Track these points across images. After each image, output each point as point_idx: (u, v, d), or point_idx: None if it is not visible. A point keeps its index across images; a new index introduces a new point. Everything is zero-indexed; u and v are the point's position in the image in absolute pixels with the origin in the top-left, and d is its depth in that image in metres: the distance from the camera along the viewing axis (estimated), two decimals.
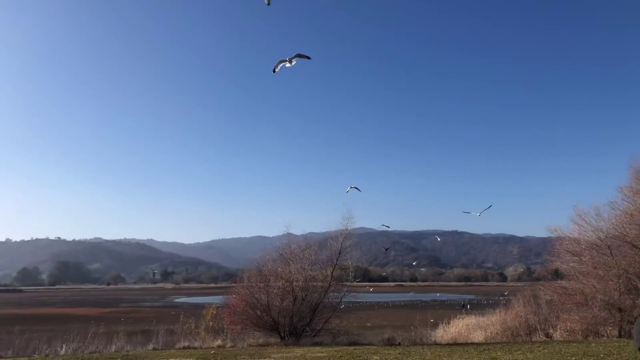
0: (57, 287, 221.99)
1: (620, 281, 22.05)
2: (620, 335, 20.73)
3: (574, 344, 17.08)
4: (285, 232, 28.61)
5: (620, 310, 21.49)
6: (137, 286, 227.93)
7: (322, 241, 28.25)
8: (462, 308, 53.12)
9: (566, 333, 21.93)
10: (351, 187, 24.30)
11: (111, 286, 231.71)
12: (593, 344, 16.94)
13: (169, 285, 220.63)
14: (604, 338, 20.14)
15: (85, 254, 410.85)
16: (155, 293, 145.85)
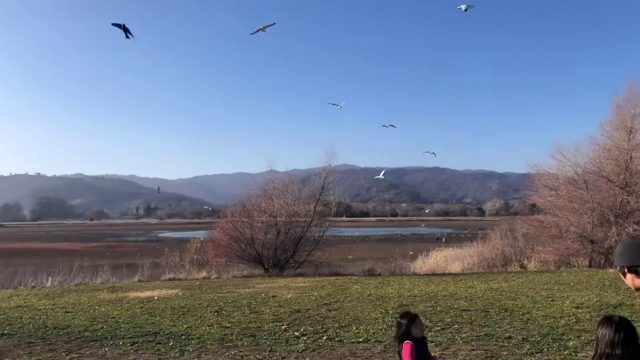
0: (40, 222, 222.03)
1: (594, 214, 22.74)
2: (590, 266, 21.65)
3: (547, 274, 17.83)
4: (269, 169, 28.65)
5: (592, 242, 22.32)
6: (120, 221, 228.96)
7: (305, 177, 28.43)
8: (437, 241, 56.24)
9: (540, 264, 22.80)
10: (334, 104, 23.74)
11: (94, 221, 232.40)
12: (564, 273, 17.69)
13: (152, 221, 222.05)
14: (575, 268, 21.02)
15: (66, 190, 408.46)
16: (139, 228, 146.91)
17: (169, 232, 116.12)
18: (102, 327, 9.23)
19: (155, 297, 13.39)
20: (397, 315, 4.10)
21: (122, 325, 9.36)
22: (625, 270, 2.97)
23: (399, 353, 3.95)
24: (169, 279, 19.99)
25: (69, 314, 10.90)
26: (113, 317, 10.29)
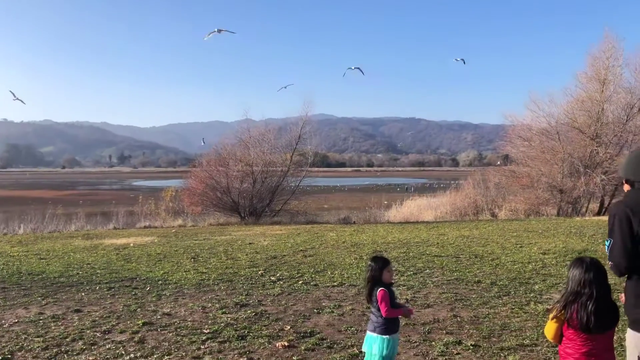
0: (9, 170, 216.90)
1: (564, 165, 23.30)
2: (558, 214, 22.36)
3: (516, 222, 18.36)
4: (244, 117, 28.25)
5: (561, 191, 22.96)
6: (93, 169, 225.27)
7: (281, 127, 28.13)
8: (406, 191, 57.89)
9: (510, 212, 23.45)
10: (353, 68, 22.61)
11: (66, 169, 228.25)
12: (533, 222, 18.26)
13: (126, 169, 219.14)
14: (544, 217, 21.68)
15: (36, 137, 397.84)
16: (113, 176, 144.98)
17: (143, 180, 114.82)
18: (78, 273, 9.24)
19: (131, 244, 13.40)
20: (370, 258, 4.16)
21: (98, 271, 9.38)
22: (624, 180, 3.19)
23: (369, 296, 4.02)
24: (145, 227, 19.96)
25: (43, 260, 10.85)
26: (88, 264, 10.29)
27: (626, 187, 3.18)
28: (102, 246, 13.17)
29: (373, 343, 3.93)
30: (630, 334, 2.99)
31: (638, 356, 2.92)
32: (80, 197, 55.16)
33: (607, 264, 3.08)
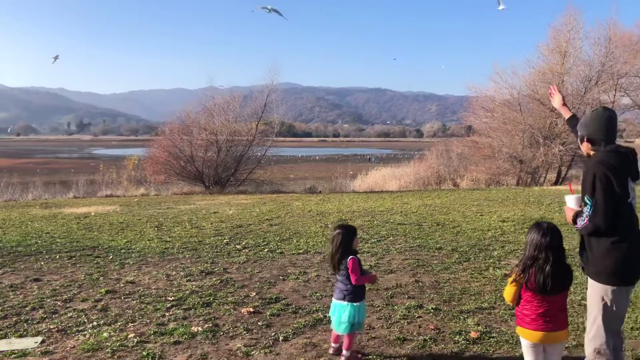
0: None
1: (525, 136, 23.92)
2: (517, 184, 23.04)
3: (478, 191, 18.83)
4: (208, 85, 27.70)
5: (521, 161, 23.62)
6: (51, 137, 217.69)
7: (247, 95, 27.72)
8: (368, 161, 58.95)
9: (472, 182, 24.02)
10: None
11: (21, 137, 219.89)
12: (494, 191, 18.76)
13: (86, 137, 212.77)
14: (504, 186, 22.29)
15: None
16: (72, 144, 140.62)
17: (104, 149, 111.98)
18: (37, 242, 9.00)
19: (92, 213, 13.12)
20: (336, 226, 4.16)
21: (58, 240, 9.17)
22: (585, 139, 3.21)
23: (338, 264, 4.02)
24: (106, 196, 19.55)
25: None
26: (47, 233, 10.03)
27: (586, 147, 3.21)
28: (62, 215, 12.85)
29: (342, 311, 3.97)
30: (593, 285, 3.10)
31: (603, 305, 3.04)
32: (38, 165, 53.39)
33: (574, 227, 3.16)
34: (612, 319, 3.02)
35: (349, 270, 3.98)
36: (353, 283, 4.01)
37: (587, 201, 3.01)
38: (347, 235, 4.05)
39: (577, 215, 3.14)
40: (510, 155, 24.13)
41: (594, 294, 3.09)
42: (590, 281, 3.12)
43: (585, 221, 3.02)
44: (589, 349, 3.09)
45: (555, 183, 23.98)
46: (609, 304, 3.00)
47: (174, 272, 6.89)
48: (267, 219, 11.74)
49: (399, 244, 8.57)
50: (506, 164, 24.28)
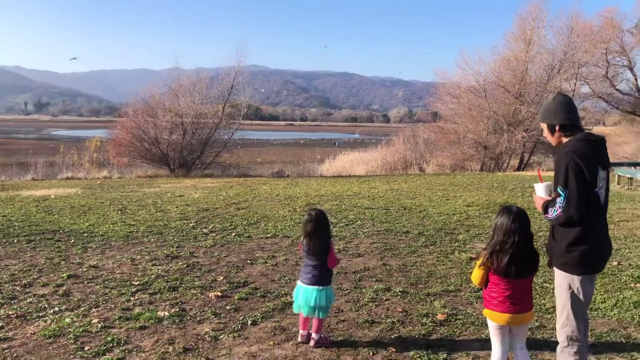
0: None
1: (489, 122, 24.36)
2: (481, 170, 23.50)
3: (443, 176, 19.11)
4: (174, 66, 27.06)
5: (485, 147, 24.07)
6: (7, 117, 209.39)
7: (213, 77, 27.22)
8: (334, 145, 59.67)
9: (437, 167, 24.38)
10: None
11: None
12: (459, 176, 19.09)
13: (44, 117, 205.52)
14: (469, 172, 22.70)
15: None
16: (29, 125, 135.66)
17: (64, 130, 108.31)
18: None
19: (52, 196, 12.71)
20: (312, 210, 4.13)
21: (16, 224, 8.85)
22: (557, 128, 3.15)
23: (317, 248, 3.99)
24: (67, 178, 18.97)
25: None
26: (4, 216, 9.67)
27: (557, 136, 3.16)
28: (20, 198, 12.41)
29: (314, 295, 3.96)
30: (560, 275, 3.12)
31: (571, 293, 3.07)
32: None
33: (544, 216, 3.12)
34: (580, 306, 3.08)
35: (330, 254, 3.99)
36: (332, 267, 4.03)
37: (560, 192, 2.98)
38: (325, 220, 4.05)
39: (548, 204, 3.11)
40: (475, 141, 24.56)
41: (562, 283, 3.12)
42: (557, 271, 3.15)
43: (559, 212, 2.99)
44: (561, 337, 3.14)
45: (518, 169, 24.57)
46: (576, 292, 3.05)
47: (139, 257, 6.75)
48: (234, 202, 11.63)
49: (367, 228, 8.62)
50: (471, 150, 24.72)
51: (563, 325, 3.12)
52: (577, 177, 2.92)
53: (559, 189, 2.99)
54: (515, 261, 3.07)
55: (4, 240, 7.59)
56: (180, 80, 24.42)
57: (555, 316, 3.26)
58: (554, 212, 3.02)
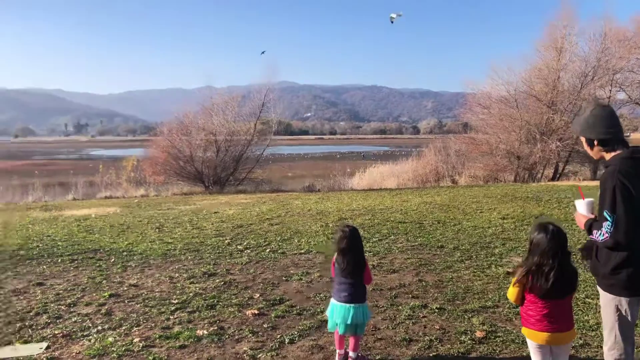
0: None
1: (522, 132, 23.95)
2: (515, 180, 23.06)
3: (476, 188, 18.85)
4: (206, 85, 27.66)
5: (518, 158, 23.64)
6: (49, 138, 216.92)
7: (245, 94, 27.70)
8: (362, 158, 59.84)
9: (470, 179, 24.04)
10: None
11: (20, 139, 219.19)
12: (492, 187, 18.79)
13: (83, 138, 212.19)
14: (502, 183, 22.32)
15: None
16: (70, 146, 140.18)
17: (102, 149, 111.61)
18: (38, 246, 8.99)
19: (93, 215, 13.10)
20: (346, 226, 4.14)
21: (60, 244, 9.16)
22: (596, 142, 3.04)
23: (353, 267, 3.98)
24: (106, 197, 19.52)
25: (0, 233, 10.50)
26: (49, 236, 10.02)
27: (597, 150, 3.04)
28: (62, 218, 12.83)
29: (355, 313, 3.93)
30: (607, 297, 3.04)
31: (618, 315, 3.00)
32: (36, 167, 53.11)
33: (589, 237, 3.00)
34: (628, 328, 3.00)
35: (366, 271, 4.01)
36: (367, 284, 4.05)
37: (608, 217, 2.84)
38: (358, 236, 4.07)
39: (592, 224, 2.99)
40: (507, 152, 24.16)
41: (609, 305, 3.04)
42: (603, 292, 3.07)
43: (606, 236, 2.86)
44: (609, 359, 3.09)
45: (553, 179, 24.03)
46: (624, 314, 2.97)
47: (177, 275, 6.89)
48: (267, 218, 11.75)
49: (401, 243, 8.59)
50: (504, 161, 24.32)
51: (611, 347, 3.05)
52: (625, 201, 2.79)
53: (605, 214, 2.86)
54: (552, 281, 3.02)
55: (48, 260, 7.87)
56: (213, 99, 24.93)
57: (600, 334, 3.20)
58: (601, 235, 2.90)
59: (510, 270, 6.63)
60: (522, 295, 3.17)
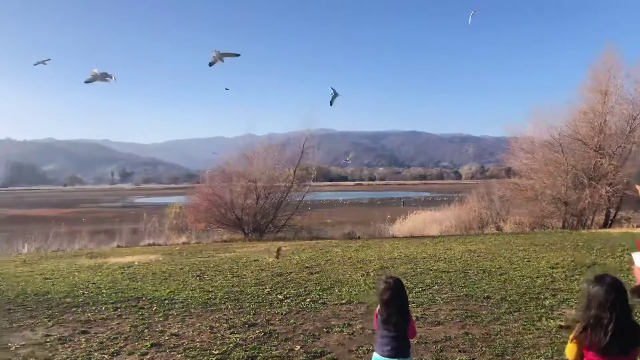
0: (11, 189, 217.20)
1: (568, 177, 23.24)
2: (563, 227, 22.23)
3: (522, 235, 18.25)
4: (247, 133, 28.36)
5: (565, 204, 22.86)
6: (95, 187, 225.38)
7: (284, 142, 28.23)
8: (402, 204, 59.40)
9: (515, 226, 23.34)
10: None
11: (68, 187, 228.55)
12: (539, 235, 18.15)
13: (128, 186, 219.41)
14: (549, 230, 21.56)
15: (38, 155, 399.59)
16: (115, 194, 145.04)
17: (145, 197, 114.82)
18: (83, 293, 9.16)
19: (136, 263, 13.33)
20: (390, 277, 4.04)
21: (104, 291, 9.30)
22: None
23: (397, 319, 3.87)
24: (149, 245, 19.89)
25: (49, 280, 10.77)
26: (94, 283, 10.21)
27: None
28: (107, 265, 13.10)
29: None
30: None
31: None
32: (83, 214, 55.08)
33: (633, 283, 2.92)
34: None
35: (410, 324, 3.88)
36: (411, 338, 3.91)
37: None
38: (402, 288, 3.97)
39: None
40: (554, 197, 23.43)
41: None
42: None
43: None
44: None
45: (604, 226, 23.04)
46: None
47: (217, 324, 6.85)
48: (307, 266, 11.65)
49: (445, 293, 8.31)
50: (550, 207, 23.55)
51: None
52: None
53: None
54: (612, 338, 2.82)
55: (93, 308, 7.98)
56: (255, 148, 25.45)
57: None
58: None
59: (562, 323, 6.28)
60: (580, 352, 2.97)
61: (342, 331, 6.36)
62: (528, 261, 11.37)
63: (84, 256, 15.60)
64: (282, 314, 7.33)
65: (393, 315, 3.86)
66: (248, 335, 6.27)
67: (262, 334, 6.33)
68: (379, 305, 3.97)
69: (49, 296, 8.98)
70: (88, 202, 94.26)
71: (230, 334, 6.37)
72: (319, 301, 8.06)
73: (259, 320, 6.98)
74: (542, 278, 9.29)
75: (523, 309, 7.18)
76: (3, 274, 11.90)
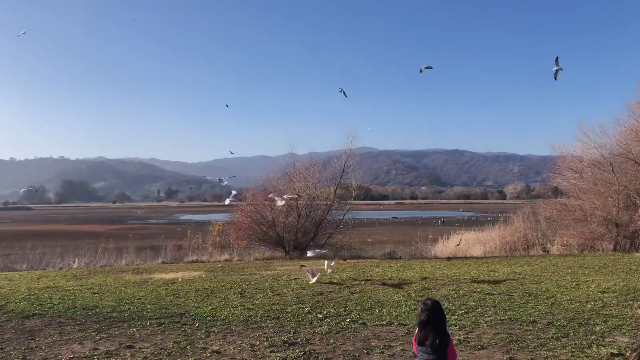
0: (64, 205, 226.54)
1: (620, 197, 22.32)
2: (615, 250, 21.30)
3: (570, 257, 17.60)
4: (289, 152, 28.66)
5: (617, 225, 21.93)
6: (142, 204, 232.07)
7: (325, 160, 28.39)
8: (441, 224, 59.29)
9: (563, 247, 22.52)
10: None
11: (117, 204, 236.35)
12: (589, 257, 17.45)
13: (173, 204, 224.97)
14: (600, 252, 20.71)
15: (89, 173, 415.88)
16: (161, 211, 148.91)
17: (190, 214, 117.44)
18: (129, 308, 9.41)
19: (180, 279, 13.60)
20: (432, 300, 4.02)
21: (148, 307, 9.54)
22: None
23: (436, 342, 3.84)
24: (192, 261, 20.28)
25: (97, 294, 11.13)
26: (139, 299, 10.48)
27: None
28: (152, 281, 13.43)
29: None
30: None
31: None
32: (130, 231, 56.76)
33: None
34: None
35: (450, 348, 3.83)
36: None
37: None
38: (440, 310, 3.93)
39: None
40: (604, 219, 22.50)
41: None
42: None
43: None
44: None
45: None
46: None
47: (258, 342, 6.90)
48: (347, 286, 11.60)
49: (489, 316, 8.10)
50: (600, 228, 22.61)
51: None
52: None
53: None
54: None
55: (138, 323, 8.19)
56: (296, 166, 25.69)
57: None
58: None
59: (614, 351, 6.02)
60: None
61: (383, 352, 6.30)
62: (577, 285, 10.96)
63: (130, 271, 16.05)
64: (322, 333, 7.32)
65: (430, 337, 3.82)
66: (288, 355, 6.29)
67: (302, 353, 6.33)
68: (417, 328, 3.95)
69: (97, 310, 9.28)
70: (135, 219, 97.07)
71: (271, 352, 6.41)
72: (359, 321, 8.00)
73: (299, 340, 6.99)
74: (592, 303, 8.93)
75: (571, 334, 6.92)
76: (55, 287, 12.38)
